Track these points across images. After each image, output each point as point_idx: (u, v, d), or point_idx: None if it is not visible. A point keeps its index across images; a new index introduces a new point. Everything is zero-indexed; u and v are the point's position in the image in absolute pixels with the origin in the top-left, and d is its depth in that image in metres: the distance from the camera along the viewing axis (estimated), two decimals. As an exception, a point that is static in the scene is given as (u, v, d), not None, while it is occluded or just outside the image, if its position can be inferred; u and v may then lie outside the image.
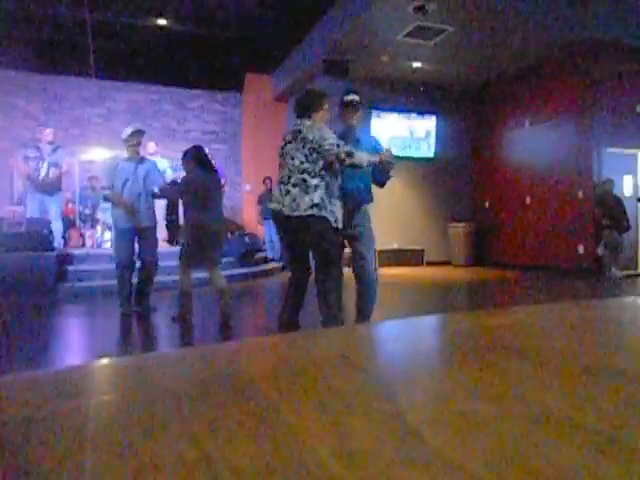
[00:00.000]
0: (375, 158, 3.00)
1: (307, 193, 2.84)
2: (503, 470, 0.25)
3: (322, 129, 2.90)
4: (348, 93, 3.36)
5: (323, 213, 2.85)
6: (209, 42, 9.07)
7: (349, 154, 2.85)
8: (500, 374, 0.42)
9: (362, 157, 2.91)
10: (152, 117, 10.59)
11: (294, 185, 2.88)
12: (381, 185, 3.44)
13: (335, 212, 2.93)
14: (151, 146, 7.61)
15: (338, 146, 2.84)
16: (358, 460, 0.27)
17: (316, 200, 2.83)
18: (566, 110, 8.26)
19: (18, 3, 7.50)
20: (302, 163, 2.87)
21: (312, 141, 2.85)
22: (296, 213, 2.84)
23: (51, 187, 6.43)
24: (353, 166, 2.92)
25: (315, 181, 2.86)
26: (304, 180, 2.86)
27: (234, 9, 7.99)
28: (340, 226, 2.96)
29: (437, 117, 9.84)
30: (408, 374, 0.44)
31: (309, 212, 2.84)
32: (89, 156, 9.60)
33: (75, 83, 9.98)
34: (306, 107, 3.02)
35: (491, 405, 0.35)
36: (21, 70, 9.42)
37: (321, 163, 2.87)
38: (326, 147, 2.83)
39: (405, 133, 9.62)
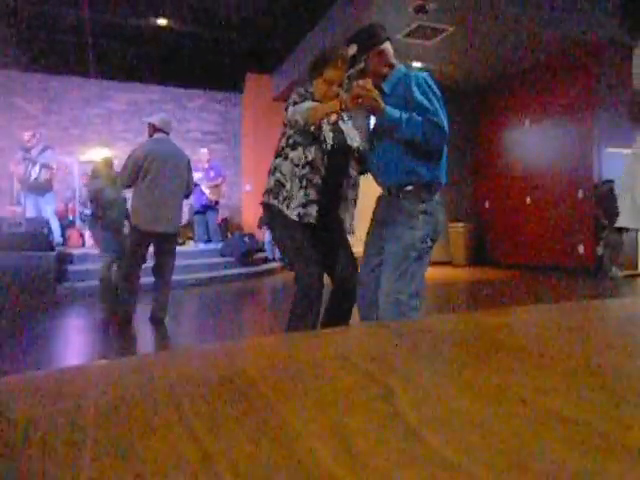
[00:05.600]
0: (332, 107, 1.99)
1: (268, 176, 2.28)
2: (503, 470, 0.25)
3: (293, 95, 2.21)
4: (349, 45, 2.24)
5: (271, 200, 2.20)
6: (209, 42, 9.06)
7: (292, 113, 2.11)
8: (500, 374, 0.42)
9: (295, 112, 2.08)
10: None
11: None
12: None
13: (295, 196, 2.15)
14: None
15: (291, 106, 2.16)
16: (358, 460, 0.27)
17: (269, 185, 2.24)
18: (566, 110, 8.25)
19: (18, 3, 7.49)
20: None
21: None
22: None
23: (42, 188, 6.61)
24: (302, 129, 2.12)
25: (276, 161, 2.24)
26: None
27: (234, 9, 7.98)
28: (311, 220, 2.16)
29: (437, 117, 9.82)
30: (408, 374, 0.44)
31: (263, 199, 2.27)
32: (89, 156, 9.60)
33: (75, 83, 9.97)
34: (309, 69, 2.30)
35: (491, 405, 0.35)
36: (21, 70, 9.42)
37: (286, 137, 2.22)
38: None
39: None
